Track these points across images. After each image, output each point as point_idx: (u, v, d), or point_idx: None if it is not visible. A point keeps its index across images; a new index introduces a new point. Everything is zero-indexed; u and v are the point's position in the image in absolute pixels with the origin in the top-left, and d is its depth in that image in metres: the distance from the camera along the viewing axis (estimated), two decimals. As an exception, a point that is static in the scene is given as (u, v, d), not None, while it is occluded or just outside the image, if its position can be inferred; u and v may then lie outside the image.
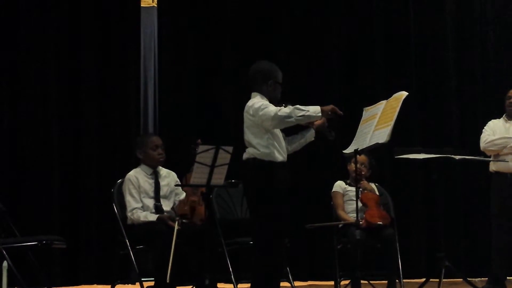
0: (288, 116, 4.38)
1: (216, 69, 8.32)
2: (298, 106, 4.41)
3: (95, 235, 7.77)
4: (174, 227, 5.04)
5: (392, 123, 4.62)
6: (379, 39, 8.64)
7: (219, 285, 5.45)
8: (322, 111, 4.40)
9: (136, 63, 8.20)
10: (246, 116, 4.57)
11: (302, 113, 4.38)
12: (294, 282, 5.90)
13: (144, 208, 5.34)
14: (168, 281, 4.89)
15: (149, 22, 8.29)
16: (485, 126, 6.75)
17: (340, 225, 5.85)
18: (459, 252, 8.26)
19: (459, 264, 7.29)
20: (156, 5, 8.27)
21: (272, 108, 4.44)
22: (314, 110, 4.39)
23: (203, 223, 5.25)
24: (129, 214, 5.32)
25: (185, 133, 7.81)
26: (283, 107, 4.44)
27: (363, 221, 5.71)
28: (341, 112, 4.46)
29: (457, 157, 5.08)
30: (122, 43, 8.09)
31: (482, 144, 6.62)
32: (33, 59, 7.78)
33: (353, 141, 4.93)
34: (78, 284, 7.65)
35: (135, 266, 5.23)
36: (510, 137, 6.52)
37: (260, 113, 4.44)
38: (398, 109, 4.64)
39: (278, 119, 4.39)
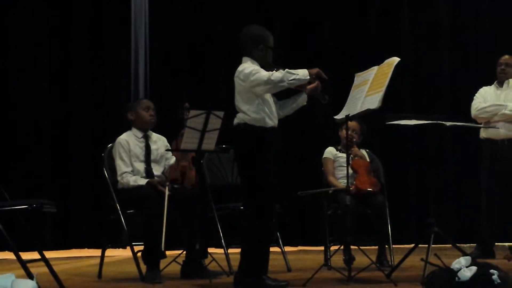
0: (281, 80, 4.38)
1: (207, 34, 8.27)
2: (288, 70, 4.40)
3: (86, 200, 7.78)
4: (164, 193, 5.03)
5: (383, 89, 4.60)
6: (373, 4, 8.62)
7: (209, 250, 5.46)
8: (309, 74, 4.41)
9: (127, 28, 8.14)
10: (236, 81, 4.54)
11: (293, 76, 4.38)
12: (285, 247, 5.92)
13: (134, 172, 5.32)
14: (163, 249, 4.88)
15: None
16: (476, 93, 6.74)
17: (331, 191, 5.84)
18: (448, 218, 8.32)
19: (448, 230, 7.35)
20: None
21: (264, 73, 4.42)
22: (303, 73, 4.41)
23: (194, 188, 5.25)
24: (119, 178, 5.30)
25: (176, 99, 7.79)
26: (274, 71, 4.42)
27: (353, 187, 5.71)
28: (326, 77, 4.46)
29: (448, 123, 5.06)
30: (112, 8, 8.03)
31: (473, 111, 6.61)
32: (24, 23, 7.72)
33: (344, 107, 4.91)
34: (68, 248, 7.67)
35: (126, 230, 5.22)
36: (501, 104, 6.52)
37: (252, 78, 4.42)
38: (390, 75, 4.62)
39: (271, 84, 4.38)
